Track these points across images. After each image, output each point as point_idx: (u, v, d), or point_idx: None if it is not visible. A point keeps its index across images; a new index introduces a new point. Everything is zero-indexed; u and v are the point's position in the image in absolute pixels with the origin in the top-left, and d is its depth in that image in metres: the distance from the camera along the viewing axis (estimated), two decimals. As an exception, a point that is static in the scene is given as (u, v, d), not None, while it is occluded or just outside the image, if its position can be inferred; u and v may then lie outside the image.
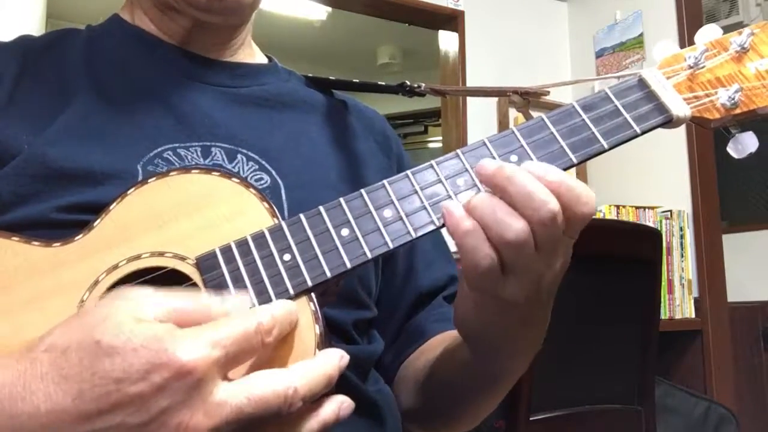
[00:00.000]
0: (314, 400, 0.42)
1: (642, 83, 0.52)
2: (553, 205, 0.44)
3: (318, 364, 0.43)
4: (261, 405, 0.38)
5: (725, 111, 0.51)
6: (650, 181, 2.58)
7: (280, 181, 0.64)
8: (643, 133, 0.51)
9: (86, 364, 0.37)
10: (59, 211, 0.56)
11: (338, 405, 0.44)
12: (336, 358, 0.44)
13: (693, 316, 2.39)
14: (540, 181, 0.45)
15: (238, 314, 0.42)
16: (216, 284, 0.47)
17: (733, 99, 0.51)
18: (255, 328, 0.41)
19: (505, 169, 0.45)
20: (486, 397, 0.64)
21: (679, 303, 2.37)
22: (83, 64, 0.66)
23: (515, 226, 0.44)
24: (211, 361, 0.38)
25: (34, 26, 2.12)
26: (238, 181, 0.51)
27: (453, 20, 2.87)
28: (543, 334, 0.55)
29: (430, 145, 5.09)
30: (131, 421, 0.37)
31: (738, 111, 0.51)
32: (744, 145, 0.52)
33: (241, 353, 0.40)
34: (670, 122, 0.51)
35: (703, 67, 0.53)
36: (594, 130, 0.50)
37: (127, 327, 0.38)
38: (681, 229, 2.42)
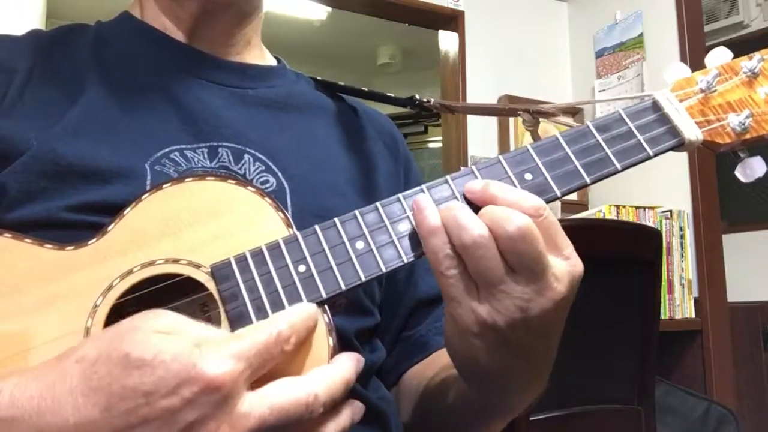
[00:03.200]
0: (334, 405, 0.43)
1: (655, 105, 0.53)
2: (520, 220, 0.44)
3: (336, 369, 0.43)
4: (283, 414, 0.39)
5: (735, 136, 0.52)
6: (650, 181, 2.57)
7: (285, 184, 0.63)
8: (656, 155, 0.51)
9: (115, 376, 0.38)
10: (68, 211, 0.55)
11: (352, 409, 0.44)
12: (353, 362, 0.44)
13: (693, 316, 2.39)
14: (517, 204, 0.45)
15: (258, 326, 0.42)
16: (230, 293, 0.47)
17: (744, 124, 0.52)
18: (275, 337, 0.41)
19: (489, 187, 0.47)
20: (483, 427, 0.62)
21: (679, 303, 2.37)
22: (92, 61, 0.66)
23: (473, 231, 0.44)
24: (237, 375, 0.39)
25: (34, 26, 2.11)
26: (254, 190, 0.51)
27: (453, 20, 2.87)
28: (546, 371, 0.53)
29: (430, 145, 5.07)
30: None
31: (748, 136, 0.52)
32: (752, 169, 0.53)
33: (263, 363, 0.41)
34: (682, 145, 0.52)
35: (714, 91, 0.53)
36: (608, 151, 0.51)
37: (154, 340, 0.38)
38: (681, 229, 2.42)
